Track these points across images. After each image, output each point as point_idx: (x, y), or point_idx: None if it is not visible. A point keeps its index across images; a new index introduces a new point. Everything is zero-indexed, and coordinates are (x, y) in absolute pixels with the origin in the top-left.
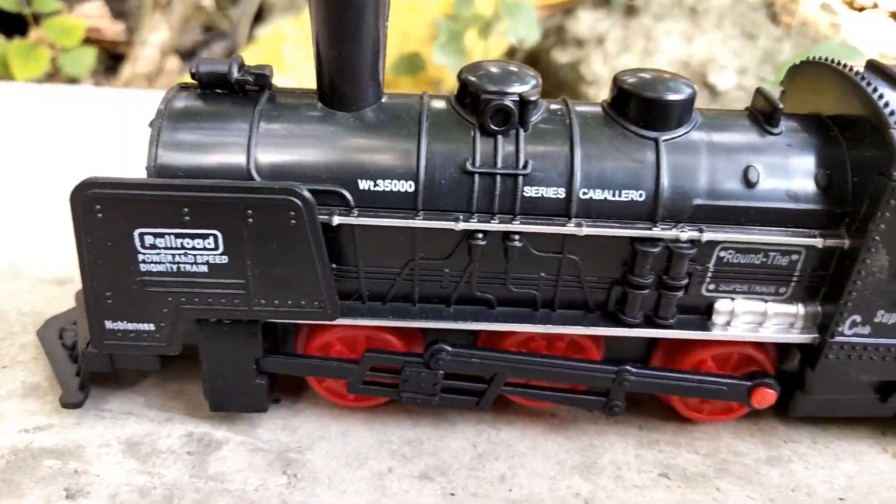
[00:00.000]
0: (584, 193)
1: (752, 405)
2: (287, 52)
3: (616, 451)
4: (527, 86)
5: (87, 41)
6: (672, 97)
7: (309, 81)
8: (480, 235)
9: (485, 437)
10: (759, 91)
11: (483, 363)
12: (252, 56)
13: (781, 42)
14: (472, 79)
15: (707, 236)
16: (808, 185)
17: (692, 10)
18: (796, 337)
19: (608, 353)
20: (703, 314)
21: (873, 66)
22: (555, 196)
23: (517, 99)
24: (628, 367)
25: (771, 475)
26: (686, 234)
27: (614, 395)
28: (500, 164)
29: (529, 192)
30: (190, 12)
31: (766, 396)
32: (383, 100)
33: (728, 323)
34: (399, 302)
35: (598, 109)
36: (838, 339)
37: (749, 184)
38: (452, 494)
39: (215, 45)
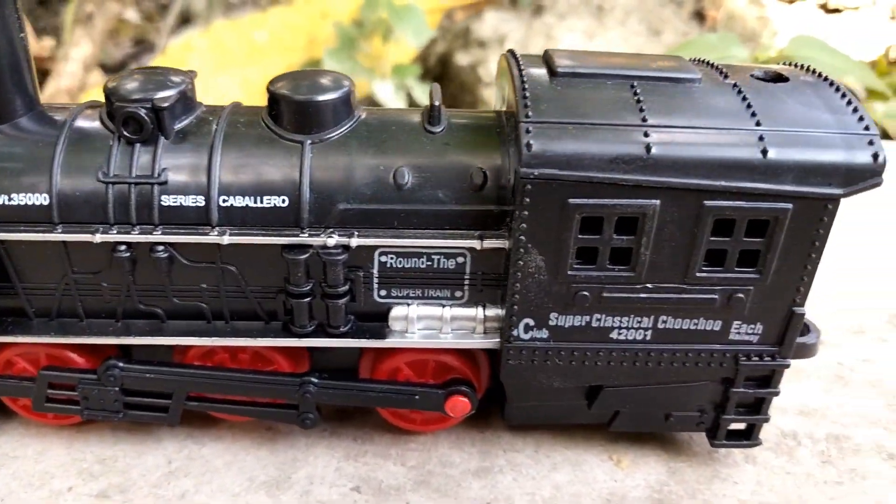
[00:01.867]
0: (225, 201)
1: (447, 413)
2: (194, 63)
3: (318, 464)
4: (165, 92)
5: None
6: (318, 98)
7: (219, 93)
8: (123, 247)
9: (185, 452)
10: (432, 88)
11: (158, 378)
12: None
13: (687, 37)
14: (112, 87)
15: (356, 242)
16: (462, 185)
17: (598, 8)
18: (478, 342)
19: (318, 364)
20: (382, 321)
21: (546, 57)
22: (194, 204)
23: (150, 106)
24: (311, 379)
25: (472, 487)
26: (334, 239)
27: (304, 407)
28: (135, 174)
29: (168, 201)
30: (113, 26)
31: (459, 404)
32: (37, 112)
33: (406, 329)
34: (68, 317)
35: (256, 115)
36: (515, 343)
37: (399, 186)
38: None
39: (145, 58)
